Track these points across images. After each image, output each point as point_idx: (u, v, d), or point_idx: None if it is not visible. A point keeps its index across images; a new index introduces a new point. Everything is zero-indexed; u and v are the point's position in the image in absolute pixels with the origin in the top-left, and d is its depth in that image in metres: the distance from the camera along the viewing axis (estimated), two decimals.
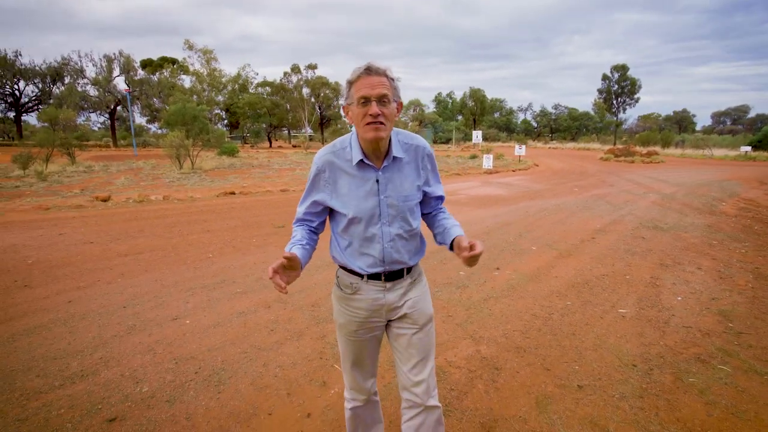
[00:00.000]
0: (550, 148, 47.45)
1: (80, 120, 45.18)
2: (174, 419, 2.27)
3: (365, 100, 1.40)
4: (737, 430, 2.24)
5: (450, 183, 14.19)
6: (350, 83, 1.44)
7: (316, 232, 1.64)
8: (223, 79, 46.45)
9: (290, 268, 1.39)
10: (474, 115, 60.74)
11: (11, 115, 46.81)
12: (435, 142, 62.62)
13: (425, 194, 1.62)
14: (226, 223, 7.39)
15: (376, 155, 1.50)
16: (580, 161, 26.56)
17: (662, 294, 4.21)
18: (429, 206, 1.68)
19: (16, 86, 43.98)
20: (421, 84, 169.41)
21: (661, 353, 3.04)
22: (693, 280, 4.64)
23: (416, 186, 1.56)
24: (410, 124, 59.77)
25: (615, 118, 52.67)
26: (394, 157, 1.52)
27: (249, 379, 2.66)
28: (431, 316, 1.66)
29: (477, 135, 40.38)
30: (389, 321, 1.64)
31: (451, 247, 1.55)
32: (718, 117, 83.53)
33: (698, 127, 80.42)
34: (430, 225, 1.70)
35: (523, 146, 23.75)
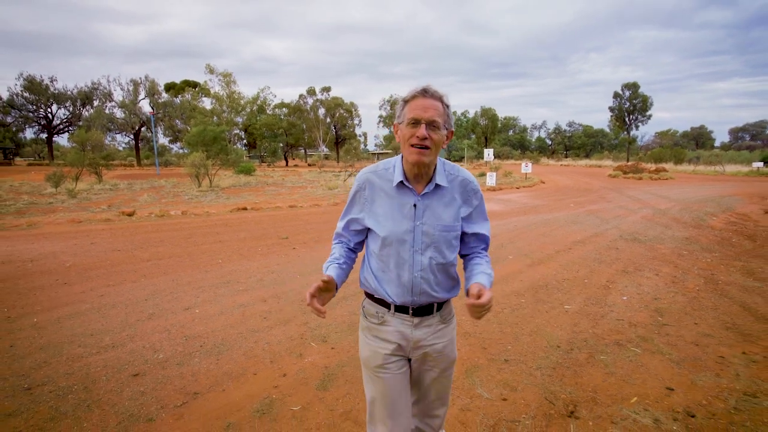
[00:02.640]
0: (561, 165, 47.69)
1: (107, 140, 47.36)
2: (182, 376, 2.97)
3: (415, 122, 1.38)
4: (623, 391, 2.82)
5: None
6: (405, 102, 1.43)
7: (354, 250, 1.63)
8: (242, 101, 48.30)
9: (326, 290, 1.40)
10: (486, 134, 61.42)
11: (44, 136, 49.48)
12: (448, 159, 63.31)
13: (467, 231, 1.56)
14: (237, 234, 8.18)
15: (418, 180, 1.48)
16: (587, 178, 26.90)
17: (610, 294, 4.77)
18: (468, 246, 1.61)
19: (49, 110, 46.62)
20: None
21: (586, 339, 3.62)
22: (645, 284, 5.17)
23: (456, 218, 1.51)
24: None
25: (627, 135, 52.69)
26: (437, 185, 1.49)
27: (242, 351, 3.35)
28: (454, 360, 1.61)
29: (488, 153, 41.01)
30: (409, 358, 1.59)
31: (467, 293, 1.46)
32: (736, 133, 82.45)
33: (717, 143, 79.50)
34: (464, 268, 1.61)
35: (530, 164, 24.29)
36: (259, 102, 51.84)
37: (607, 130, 69.17)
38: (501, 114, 72.04)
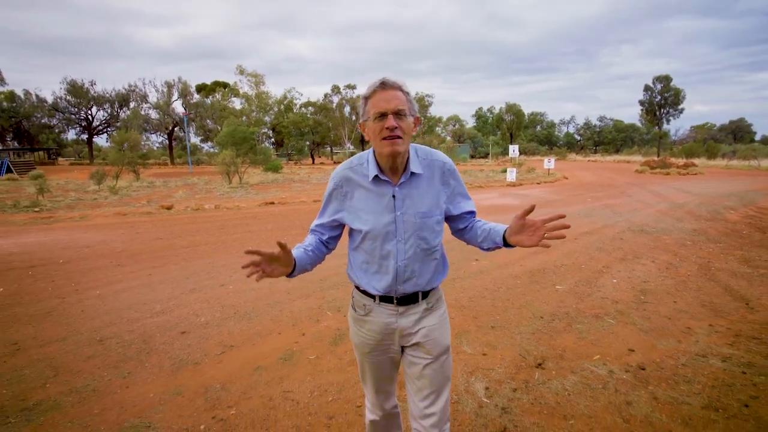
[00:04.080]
0: (589, 161, 46.95)
1: (143, 141, 49.64)
2: (220, 334, 3.61)
3: (381, 115, 1.38)
4: (588, 350, 3.29)
5: (470, 195, 15.22)
6: (366, 99, 1.44)
7: (326, 245, 1.64)
8: (270, 101, 49.64)
9: (278, 261, 1.40)
10: (510, 130, 60.93)
11: (84, 137, 52.24)
12: (473, 157, 63.18)
13: (455, 212, 1.58)
14: (264, 226, 8.90)
15: (393, 171, 1.48)
16: (613, 174, 26.64)
17: (602, 278, 5.17)
18: (463, 221, 1.62)
19: (89, 112, 49.20)
20: (461, 99, 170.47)
21: (568, 312, 4.08)
22: (639, 270, 5.54)
23: (436, 203, 1.52)
24: (448, 139, 60.80)
25: (658, 130, 51.33)
26: (412, 173, 1.49)
27: (269, 317, 3.97)
28: (447, 347, 1.59)
29: (513, 149, 40.92)
30: (402, 347, 1.61)
31: (505, 243, 1.49)
32: None
33: (758, 137, 76.11)
34: (471, 237, 1.62)
35: (553, 159, 24.30)
36: (286, 101, 53.12)
37: (639, 124, 67.43)
38: (527, 110, 71.33)
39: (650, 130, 60.73)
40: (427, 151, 1.55)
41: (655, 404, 2.57)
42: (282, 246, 1.37)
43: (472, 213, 1.63)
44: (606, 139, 72.65)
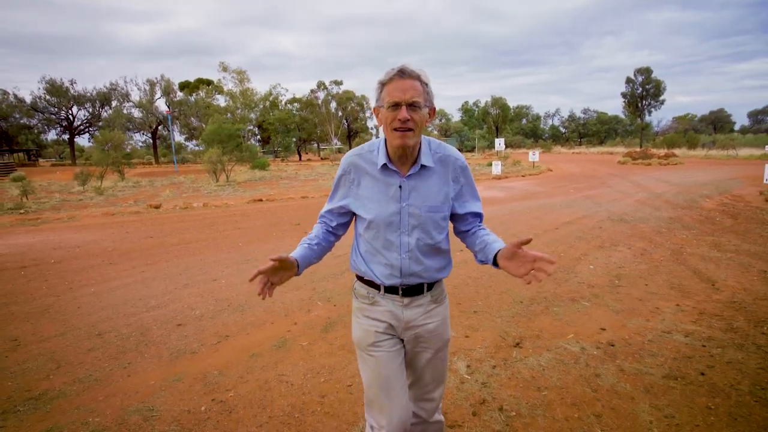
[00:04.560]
0: (573, 153, 47.63)
1: (126, 140, 48.98)
2: (215, 325, 3.77)
3: (395, 105, 1.36)
4: (563, 330, 3.52)
5: None
6: (382, 84, 1.41)
7: (334, 233, 1.62)
8: (255, 98, 49.30)
9: (282, 269, 1.42)
10: (496, 123, 61.43)
11: (65, 137, 51.32)
12: (460, 150, 63.55)
13: (460, 211, 1.55)
14: (253, 222, 9.01)
15: (403, 161, 1.46)
16: (596, 165, 27.16)
17: (580, 264, 5.43)
18: (466, 223, 1.59)
19: (70, 111, 48.33)
20: (448, 93, 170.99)
21: (546, 296, 4.31)
22: (615, 256, 5.81)
23: (444, 198, 1.49)
24: (434, 133, 61.08)
25: (641, 121, 52.27)
26: (422, 165, 1.46)
27: (262, 308, 4.13)
28: (447, 341, 1.61)
29: (499, 142, 41.38)
30: (402, 339, 1.57)
31: (495, 263, 1.45)
32: (755, 116, 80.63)
33: (737, 127, 77.87)
34: (470, 244, 1.59)
35: (537, 152, 24.73)
36: (271, 98, 52.80)
37: (622, 116, 68.52)
38: (513, 103, 71.95)
39: (633, 122, 61.78)
40: (441, 145, 1.53)
41: (621, 375, 2.80)
42: (275, 261, 1.38)
43: (477, 216, 1.60)
44: (590, 131, 73.69)
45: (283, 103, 54.48)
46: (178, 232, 8.16)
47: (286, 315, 3.97)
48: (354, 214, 1.58)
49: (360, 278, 1.60)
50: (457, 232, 1.65)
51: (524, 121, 78.70)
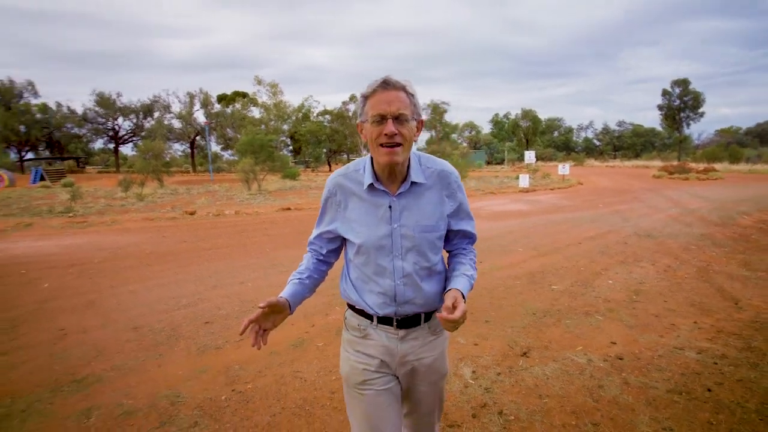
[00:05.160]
0: (606, 166, 46.47)
1: (166, 149, 51.26)
2: (239, 324, 3.97)
3: (381, 118, 1.26)
4: (573, 342, 3.57)
5: (481, 201, 15.49)
6: (365, 98, 1.31)
7: (326, 261, 1.53)
8: (288, 110, 50.68)
9: (274, 312, 1.33)
10: (526, 136, 60.75)
11: (111, 146, 54.20)
12: (489, 163, 63.15)
13: (453, 228, 1.45)
14: (281, 230, 9.36)
15: (392, 179, 1.36)
16: (629, 179, 26.46)
17: (599, 279, 5.42)
18: (451, 243, 1.50)
19: (116, 122, 51.08)
20: (477, 105, 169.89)
21: (560, 309, 4.36)
22: (637, 272, 5.76)
23: (440, 216, 1.39)
24: (464, 145, 60.93)
25: (679, 134, 50.53)
26: (413, 183, 1.36)
27: None
28: (445, 375, 1.51)
29: (529, 155, 40.95)
30: (396, 375, 1.46)
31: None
32: None
33: None
34: (448, 265, 1.51)
35: (567, 165, 24.34)
36: (303, 110, 54.15)
37: (660, 128, 66.40)
38: (545, 115, 71.01)
39: (671, 135, 59.73)
40: (432, 160, 1.43)
41: (625, 387, 2.85)
42: (264, 307, 1.28)
43: (467, 237, 1.51)
44: (625, 144, 71.70)
45: (314, 115, 55.77)
46: (211, 237, 8.59)
47: (305, 317, 4.19)
48: (342, 238, 1.47)
49: (351, 307, 1.48)
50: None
51: (556, 133, 77.40)
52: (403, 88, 1.29)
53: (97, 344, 3.62)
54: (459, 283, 1.36)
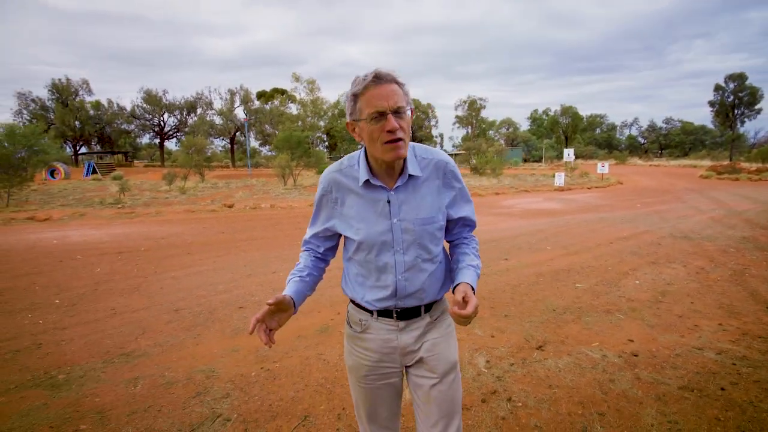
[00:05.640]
0: (650, 165, 44.59)
1: (207, 145, 53.26)
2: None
3: (379, 115, 1.22)
4: (590, 339, 3.63)
5: (513, 199, 15.35)
6: (356, 96, 1.26)
7: (323, 259, 1.52)
8: (324, 106, 51.49)
9: (280, 311, 1.30)
10: (566, 133, 59.05)
11: (156, 141, 56.82)
12: (526, 160, 61.89)
13: (454, 216, 1.42)
14: None
15: (389, 174, 1.34)
16: (674, 179, 25.38)
17: (625, 279, 5.38)
18: (451, 233, 1.47)
19: (161, 118, 53.49)
20: (516, 101, 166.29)
21: (581, 307, 4.40)
22: (666, 273, 5.67)
23: (438, 207, 1.37)
24: (500, 142, 59.94)
25: (731, 132, 47.77)
26: (410, 176, 1.34)
27: (311, 299, 4.53)
28: (455, 364, 1.44)
29: (568, 153, 39.88)
30: (406, 367, 1.46)
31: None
32: None
33: None
34: (450, 256, 1.49)
35: (606, 164, 23.63)
36: (339, 107, 54.84)
37: (711, 126, 63.00)
38: (586, 111, 68.80)
39: (723, 133, 56.51)
40: (426, 150, 1.41)
41: (636, 383, 2.91)
42: (272, 304, 1.27)
43: (468, 224, 1.48)
44: (672, 142, 68.47)
45: None
46: (247, 229, 9.02)
47: (331, 306, 4.42)
48: (340, 235, 1.46)
49: (353, 302, 1.49)
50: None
51: (598, 130, 74.78)
52: (395, 80, 1.25)
53: (143, 323, 3.99)
54: (467, 276, 1.35)
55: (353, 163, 1.38)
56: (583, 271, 5.75)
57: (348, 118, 1.32)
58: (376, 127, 1.23)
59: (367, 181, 1.33)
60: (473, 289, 1.31)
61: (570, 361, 3.23)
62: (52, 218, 10.80)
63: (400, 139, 1.24)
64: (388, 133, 1.22)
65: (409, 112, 1.28)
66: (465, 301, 1.22)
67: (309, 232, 1.52)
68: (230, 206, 12.79)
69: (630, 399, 2.71)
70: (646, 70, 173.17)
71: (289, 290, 1.39)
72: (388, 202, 1.34)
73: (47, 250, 7.14)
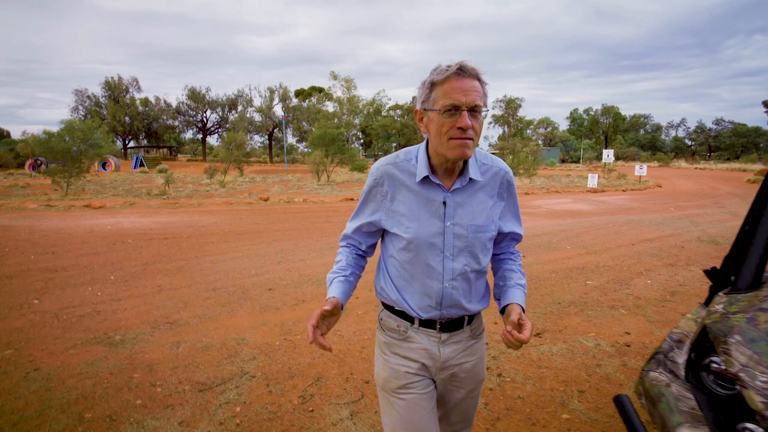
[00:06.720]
0: (695, 168, 42.69)
1: (247, 141, 55.14)
2: (296, 292, 4.76)
3: (454, 109, 1.13)
4: (588, 329, 3.87)
5: (542, 199, 15.33)
6: (433, 84, 1.18)
7: (364, 255, 1.44)
8: (360, 104, 52.22)
9: (332, 314, 1.21)
10: (606, 133, 57.25)
11: (199, 136, 59.30)
12: (564, 161, 60.50)
13: (504, 230, 1.37)
14: (343, 218, 10.16)
15: (449, 174, 1.27)
16: (717, 183, 24.37)
17: (637, 279, 5.51)
18: (499, 246, 1.42)
19: (204, 114, 55.79)
20: (558, 100, 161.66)
21: (587, 302, 4.61)
22: (681, 275, 5.75)
23: (491, 216, 1.31)
24: (539, 142, 58.87)
25: None
26: (470, 179, 1.27)
27: None
28: (483, 380, 1.44)
29: (608, 154, 38.81)
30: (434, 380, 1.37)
31: (503, 311, 1.31)
32: None
33: None
34: (494, 271, 1.45)
35: (645, 166, 23.01)
36: (374, 105, 55.48)
37: (767, 128, 59.48)
38: (632, 111, 66.39)
39: None
40: (487, 156, 1.35)
41: (622, 368, 3.15)
42: (327, 311, 1.19)
43: (514, 238, 1.42)
44: (723, 144, 65.04)
45: (385, 109, 56.88)
46: (280, 221, 9.60)
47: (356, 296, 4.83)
48: (382, 231, 1.38)
49: (388, 307, 1.37)
50: None
51: (642, 131, 72.00)
52: (478, 76, 1.17)
53: (184, 299, 4.54)
54: (517, 296, 1.31)
55: (410, 158, 1.31)
56: (597, 269, 5.91)
57: (419, 106, 1.25)
58: (448, 121, 1.16)
59: (425, 178, 1.26)
60: (524, 310, 1.27)
61: (564, 347, 3.49)
62: (106, 206, 11.80)
63: (470, 138, 1.17)
64: (458, 129, 1.15)
65: (484, 114, 1.21)
66: (521, 324, 1.16)
67: (350, 226, 1.41)
68: (266, 199, 13.50)
69: (611, 381, 2.97)
70: (698, 67, 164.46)
71: (336, 291, 1.30)
72: (444, 203, 1.26)
73: (103, 234, 7.94)
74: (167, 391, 2.77)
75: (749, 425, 1.02)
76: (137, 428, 2.39)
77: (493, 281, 1.43)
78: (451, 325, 1.32)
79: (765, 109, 45.55)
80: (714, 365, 1.21)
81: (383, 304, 1.40)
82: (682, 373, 1.30)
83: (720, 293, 1.43)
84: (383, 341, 1.38)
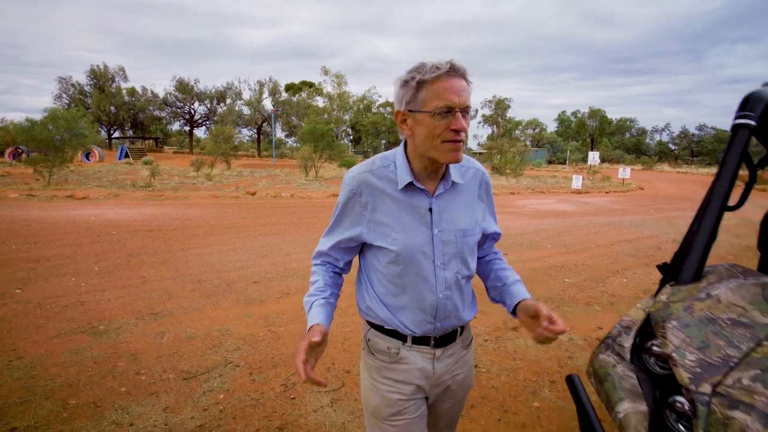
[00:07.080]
0: (678, 172, 43.62)
1: (235, 134, 54.69)
2: (281, 285, 4.83)
3: (448, 110, 1.06)
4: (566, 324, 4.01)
5: (527, 199, 15.57)
6: (421, 83, 1.08)
7: (341, 273, 1.34)
8: (350, 101, 52.11)
9: (318, 345, 1.10)
10: (592, 136, 58.11)
11: (186, 128, 58.58)
12: (550, 162, 61.25)
13: (488, 231, 1.32)
14: (329, 213, 10.19)
15: (431, 178, 1.20)
16: (698, 187, 24.94)
17: (614, 277, 5.70)
18: (482, 248, 1.37)
19: (192, 106, 55.12)
20: (548, 102, 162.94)
21: (564, 298, 4.77)
22: (656, 274, 5.93)
23: (475, 219, 1.25)
24: (527, 143, 59.48)
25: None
26: (452, 182, 1.21)
27: None
28: (470, 389, 1.41)
29: (593, 156, 39.44)
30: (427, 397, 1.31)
31: (514, 311, 1.27)
32: None
33: None
34: (483, 274, 1.40)
35: (628, 169, 23.51)
36: (365, 101, 55.42)
37: None
38: (620, 114, 67.45)
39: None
40: (467, 158, 1.28)
41: None
42: (317, 342, 1.08)
43: (495, 238, 1.39)
44: (705, 149, 66.51)
45: (376, 106, 56.86)
46: (267, 216, 9.62)
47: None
48: (361, 245, 1.27)
49: (376, 327, 1.27)
50: None
51: (627, 134, 73.23)
52: (465, 76, 1.11)
53: (169, 290, 4.57)
54: (525, 293, 1.30)
55: (388, 164, 1.21)
56: (576, 268, 6.09)
57: (401, 107, 1.13)
58: (441, 123, 1.08)
59: (409, 184, 1.17)
60: None
61: None
62: (90, 197, 11.67)
63: (462, 141, 1.11)
64: (453, 131, 1.08)
65: (473, 114, 1.29)
66: (551, 318, 1.11)
67: (326, 243, 1.30)
68: (253, 194, 13.48)
69: (582, 372, 3.10)
70: (684, 74, 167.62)
71: (319, 317, 1.19)
72: (430, 209, 1.19)
73: (86, 225, 7.88)
74: (152, 379, 2.83)
75: (678, 398, 1.15)
76: (122, 414, 2.45)
77: (487, 284, 1.39)
78: (445, 339, 1.25)
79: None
80: (654, 348, 1.33)
81: (369, 323, 1.29)
82: (627, 355, 1.42)
83: (667, 285, 1.56)
84: (372, 365, 1.27)
